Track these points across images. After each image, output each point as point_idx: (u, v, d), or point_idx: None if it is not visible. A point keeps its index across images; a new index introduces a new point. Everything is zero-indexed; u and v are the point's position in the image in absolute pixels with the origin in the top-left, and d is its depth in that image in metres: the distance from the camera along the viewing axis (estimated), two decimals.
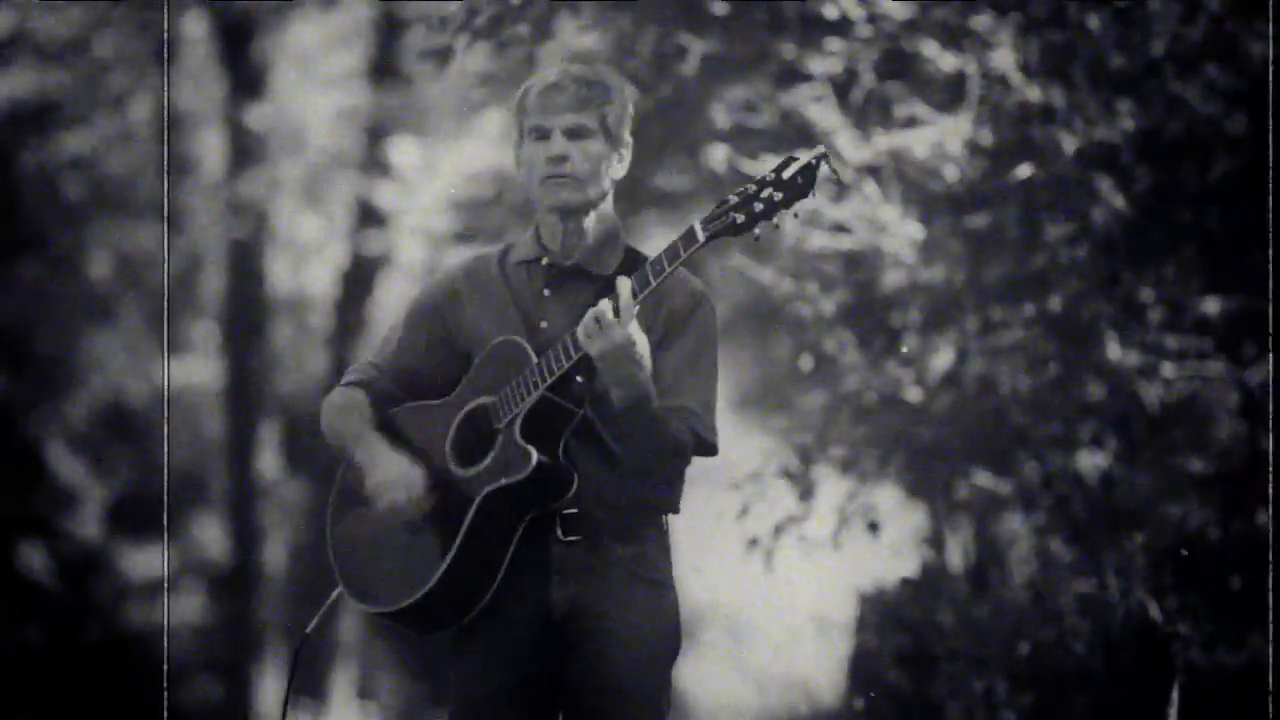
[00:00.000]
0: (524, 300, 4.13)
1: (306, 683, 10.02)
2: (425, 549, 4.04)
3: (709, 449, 4.08)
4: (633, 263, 4.09)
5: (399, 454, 4.08)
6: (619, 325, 3.90)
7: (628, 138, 4.13)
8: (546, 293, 4.12)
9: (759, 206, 3.91)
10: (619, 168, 4.13)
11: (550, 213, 4.11)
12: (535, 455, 3.99)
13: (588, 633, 4.05)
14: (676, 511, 4.14)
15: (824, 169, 3.92)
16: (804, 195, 3.91)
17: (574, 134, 4.08)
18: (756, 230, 3.92)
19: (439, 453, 4.10)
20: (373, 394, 4.19)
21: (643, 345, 3.93)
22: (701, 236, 3.91)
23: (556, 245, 4.13)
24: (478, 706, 4.08)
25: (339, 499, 4.21)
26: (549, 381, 3.99)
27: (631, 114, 4.15)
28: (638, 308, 3.92)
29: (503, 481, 4.00)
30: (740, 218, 3.91)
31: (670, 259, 3.93)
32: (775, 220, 3.91)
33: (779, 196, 3.91)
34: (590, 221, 4.12)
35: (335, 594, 4.21)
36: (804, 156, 3.92)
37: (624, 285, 3.92)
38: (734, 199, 3.93)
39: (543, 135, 4.09)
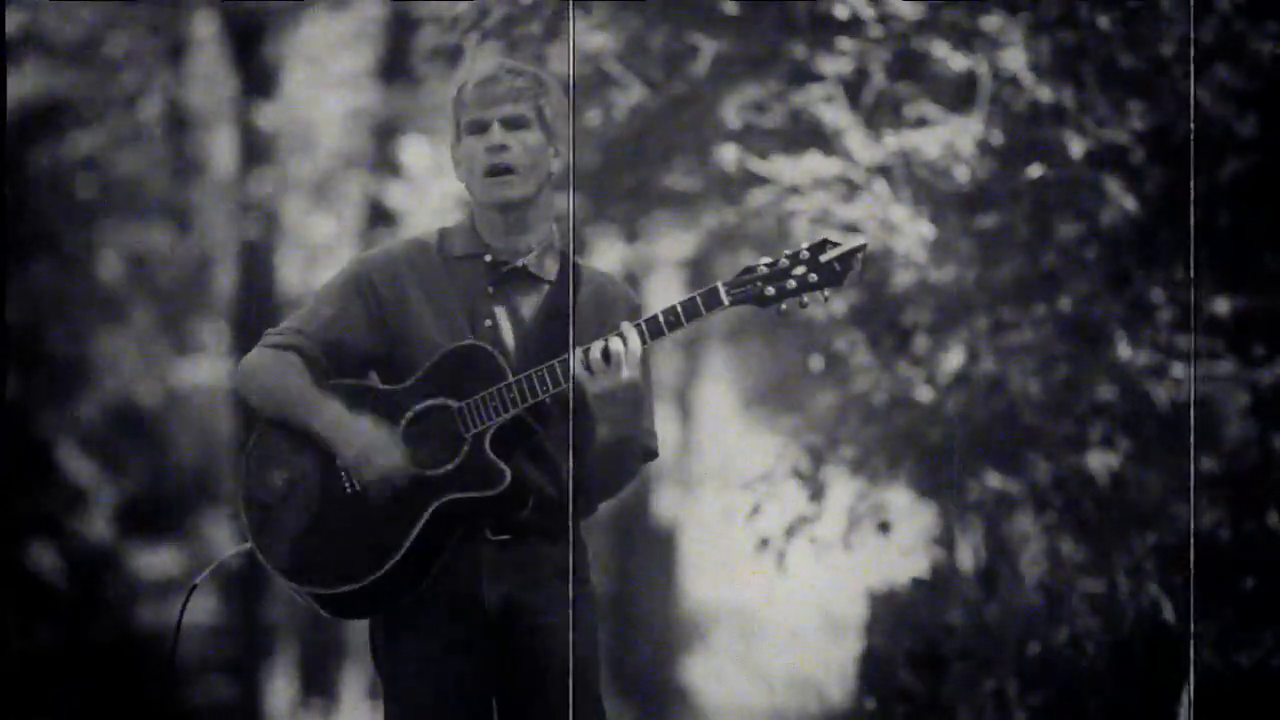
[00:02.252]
0: (466, 295, 4.10)
1: (317, 682, 10.02)
2: (366, 541, 4.02)
3: (653, 456, 4.12)
4: (568, 269, 4.10)
5: (375, 425, 4.03)
6: (626, 369, 3.91)
7: (564, 133, 4.10)
8: (491, 289, 4.10)
9: (790, 284, 3.94)
10: (556, 162, 4.10)
11: (490, 208, 4.09)
12: (509, 474, 4.00)
13: (524, 628, 4.08)
14: (590, 515, 4.17)
15: (858, 261, 3.92)
16: (838, 284, 3.93)
17: (511, 124, 4.06)
18: (784, 305, 3.93)
19: None
20: (306, 361, 4.10)
21: (642, 390, 3.97)
22: (726, 300, 3.93)
23: (499, 241, 4.11)
24: (413, 704, 4.09)
25: (259, 462, 4.14)
26: (529, 404, 3.99)
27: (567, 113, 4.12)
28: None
29: (470, 494, 4.00)
30: (770, 291, 3.94)
31: (688, 315, 3.95)
32: (805, 300, 3.92)
33: (813, 279, 3.93)
34: (531, 218, 4.11)
35: (238, 549, 4.18)
36: (845, 245, 3.93)
37: (631, 330, 3.94)
38: (764, 269, 3.94)
39: (481, 127, 4.07)
